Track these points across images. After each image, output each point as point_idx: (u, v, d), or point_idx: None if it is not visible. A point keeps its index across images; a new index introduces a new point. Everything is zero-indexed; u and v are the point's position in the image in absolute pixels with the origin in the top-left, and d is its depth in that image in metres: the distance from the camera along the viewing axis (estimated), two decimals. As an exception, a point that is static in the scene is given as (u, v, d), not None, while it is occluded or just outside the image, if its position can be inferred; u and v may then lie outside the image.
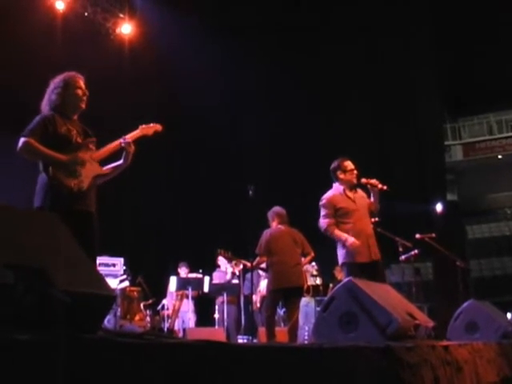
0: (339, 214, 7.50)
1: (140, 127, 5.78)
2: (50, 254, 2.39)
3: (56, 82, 5.51)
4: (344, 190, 7.59)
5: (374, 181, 7.51)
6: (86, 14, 15.29)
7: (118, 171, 5.70)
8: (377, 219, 10.06)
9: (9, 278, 2.11)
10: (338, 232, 7.39)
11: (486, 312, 7.69)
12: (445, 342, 5.35)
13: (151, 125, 5.86)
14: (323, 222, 7.49)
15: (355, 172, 7.63)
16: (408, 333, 4.96)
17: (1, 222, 2.36)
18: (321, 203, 7.60)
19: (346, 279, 5.03)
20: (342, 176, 7.60)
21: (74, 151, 5.30)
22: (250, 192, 8.65)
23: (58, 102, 5.42)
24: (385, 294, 5.23)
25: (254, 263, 9.62)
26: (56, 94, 5.44)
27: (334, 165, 7.70)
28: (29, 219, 2.56)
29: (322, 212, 7.55)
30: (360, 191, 7.74)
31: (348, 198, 7.56)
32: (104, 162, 5.66)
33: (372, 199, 7.65)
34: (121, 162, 5.66)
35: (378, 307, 4.75)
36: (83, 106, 5.53)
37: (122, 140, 5.60)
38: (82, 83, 5.54)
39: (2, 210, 2.52)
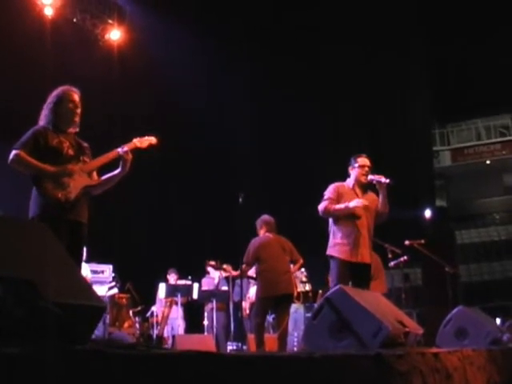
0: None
1: (134, 140, 5.81)
2: (40, 265, 2.38)
3: (50, 96, 5.64)
4: (353, 186, 7.41)
5: (378, 175, 7.29)
6: (74, 20, 15.23)
7: (115, 180, 5.77)
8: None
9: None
10: (338, 205, 7.17)
11: (476, 318, 7.71)
12: (434, 349, 5.35)
13: (145, 138, 5.88)
14: (323, 204, 7.24)
15: (366, 169, 7.38)
16: (398, 340, 4.97)
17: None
18: (325, 191, 7.40)
19: (336, 287, 5.03)
20: (351, 171, 7.46)
21: (65, 163, 5.40)
22: (240, 199, 8.67)
23: (51, 116, 5.56)
24: (374, 302, 5.24)
25: (239, 272, 9.68)
26: (48, 108, 5.60)
27: (349, 160, 7.54)
28: (17, 229, 2.55)
29: (325, 196, 7.32)
30: (372, 194, 7.50)
31: (355, 194, 7.36)
32: (101, 171, 5.70)
33: (380, 198, 7.36)
34: (118, 170, 5.71)
35: (367, 315, 4.75)
36: (76, 119, 5.63)
37: (119, 149, 5.66)
38: (75, 97, 5.64)
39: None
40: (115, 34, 16.03)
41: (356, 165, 7.41)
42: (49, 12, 14.28)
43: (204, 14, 17.38)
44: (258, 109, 18.44)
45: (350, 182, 7.47)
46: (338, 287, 4.95)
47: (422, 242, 11.10)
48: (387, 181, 7.18)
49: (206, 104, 17.03)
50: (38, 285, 2.22)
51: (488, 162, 30.96)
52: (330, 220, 7.41)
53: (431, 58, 26.90)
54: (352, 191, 7.35)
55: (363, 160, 7.43)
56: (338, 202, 7.24)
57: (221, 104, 17.35)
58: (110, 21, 16.08)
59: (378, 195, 7.43)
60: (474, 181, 30.58)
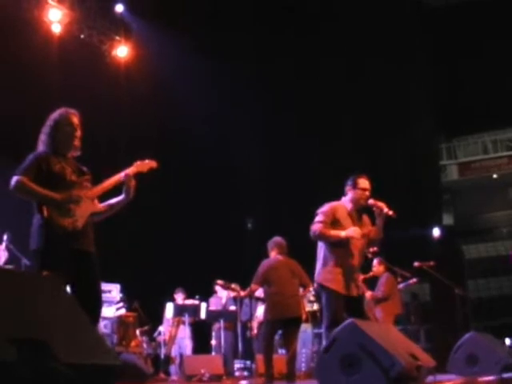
0: (334, 229, 6.76)
1: (135, 164, 5.60)
2: (53, 323, 2.33)
3: (48, 120, 5.43)
4: (351, 209, 6.90)
5: (381, 204, 6.80)
6: (82, 36, 15.25)
7: (118, 206, 5.58)
8: (375, 249, 10.01)
9: (11, 354, 2.05)
10: (333, 231, 6.67)
11: (487, 344, 7.65)
12: (447, 383, 5.30)
13: (146, 161, 5.68)
14: (317, 227, 6.69)
15: (367, 193, 6.87)
16: (411, 374, 4.90)
17: (1, 289, 2.30)
18: (320, 209, 6.89)
19: (348, 320, 4.98)
20: (350, 192, 6.93)
21: (68, 190, 5.20)
22: (249, 225, 8.61)
23: (50, 140, 5.35)
24: (387, 335, 5.18)
25: (247, 292, 9.63)
26: (45, 133, 5.38)
27: (348, 179, 7.03)
28: (30, 284, 2.50)
29: (319, 217, 6.79)
30: (366, 218, 7.08)
31: (351, 218, 6.87)
32: (104, 197, 5.59)
33: (376, 225, 6.93)
34: (121, 197, 5.54)
35: (380, 349, 4.69)
36: (76, 143, 5.42)
37: (122, 174, 5.50)
38: (74, 119, 5.42)
39: (1, 275, 2.46)
40: (122, 51, 16.04)
41: (357, 186, 6.91)
42: (56, 29, 14.30)
43: (212, 32, 17.37)
44: (267, 133, 18.36)
45: (346, 202, 6.98)
46: (349, 321, 4.89)
47: (431, 263, 11.00)
48: (390, 213, 6.75)
49: (214, 125, 16.97)
50: (50, 346, 2.16)
51: (495, 176, 30.81)
52: (322, 244, 6.92)
53: (437, 73, 26.87)
54: (348, 216, 6.86)
55: (364, 182, 6.96)
56: (333, 225, 6.76)
57: (229, 125, 17.26)
58: (116, 37, 16.09)
59: (368, 217, 7.08)
60: (481, 195, 30.44)
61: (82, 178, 5.42)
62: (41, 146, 5.39)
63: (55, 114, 5.44)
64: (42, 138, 5.40)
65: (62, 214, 5.08)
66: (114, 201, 5.58)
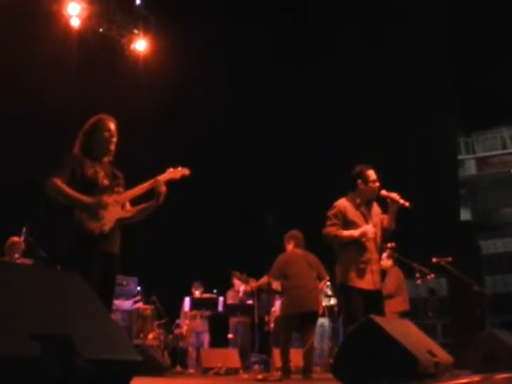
0: (347, 229, 6.66)
1: (167, 171, 5.64)
2: (75, 319, 2.36)
3: (86, 125, 5.54)
4: (360, 203, 6.77)
5: (394, 195, 6.62)
6: (100, 30, 15.25)
7: (148, 211, 5.61)
8: (393, 244, 9.99)
9: (34, 350, 2.07)
10: (346, 232, 6.60)
11: (505, 341, 7.63)
12: (465, 379, 5.29)
13: (179, 168, 5.69)
14: (329, 230, 6.65)
15: (377, 184, 6.75)
16: (428, 371, 4.91)
17: (25, 285, 2.33)
18: (330, 212, 6.76)
19: (366, 317, 4.98)
20: (362, 186, 6.74)
21: (100, 194, 5.29)
22: (269, 220, 8.63)
23: (85, 144, 5.45)
24: (404, 331, 5.18)
25: (258, 283, 9.67)
26: (84, 136, 5.49)
27: (354, 171, 6.84)
28: (53, 280, 2.53)
29: (330, 220, 6.71)
30: (376, 207, 6.96)
31: (362, 213, 6.74)
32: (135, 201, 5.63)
33: (388, 215, 6.78)
34: (152, 202, 5.56)
35: (398, 346, 4.70)
36: (112, 147, 5.51)
37: (153, 180, 5.54)
38: (111, 125, 5.51)
39: (25, 270, 2.49)
40: (141, 45, 16.02)
41: (368, 180, 6.77)
42: (75, 23, 14.31)
43: (231, 26, 17.35)
44: (286, 126, 18.36)
45: (354, 197, 6.84)
46: (367, 318, 4.90)
47: (449, 259, 10.91)
48: (407, 204, 6.59)
49: (233, 119, 16.96)
50: (73, 341, 2.19)
51: (513, 171, 30.66)
52: (338, 245, 6.80)
53: (457, 68, 26.72)
54: (358, 212, 6.76)
55: (373, 174, 6.82)
56: (345, 226, 6.68)
57: (248, 120, 17.24)
58: (135, 31, 16.07)
59: (383, 210, 6.94)
60: (498, 190, 30.24)
61: (115, 182, 5.51)
62: (76, 149, 5.48)
63: (94, 119, 5.56)
64: (79, 140, 5.50)
65: (90, 217, 5.18)
66: (144, 206, 5.61)
